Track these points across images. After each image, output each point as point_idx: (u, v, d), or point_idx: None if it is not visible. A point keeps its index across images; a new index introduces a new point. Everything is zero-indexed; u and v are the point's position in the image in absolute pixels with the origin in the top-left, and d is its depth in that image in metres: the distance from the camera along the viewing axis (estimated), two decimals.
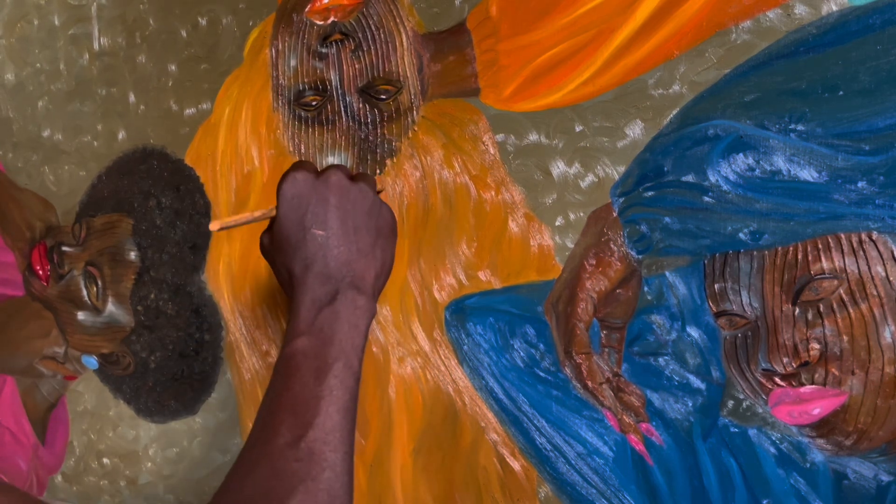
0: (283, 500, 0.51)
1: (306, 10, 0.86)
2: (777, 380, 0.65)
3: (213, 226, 0.65)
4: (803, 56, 0.64)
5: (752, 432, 0.69)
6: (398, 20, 0.83)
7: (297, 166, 0.65)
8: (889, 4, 0.60)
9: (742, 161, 0.65)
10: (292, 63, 0.88)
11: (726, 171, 0.66)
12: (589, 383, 0.74)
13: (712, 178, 0.66)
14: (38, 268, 1.06)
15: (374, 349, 0.87)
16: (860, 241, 0.61)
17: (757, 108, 0.65)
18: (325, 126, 0.88)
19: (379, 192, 0.69)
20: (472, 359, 0.81)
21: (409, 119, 0.84)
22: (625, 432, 0.74)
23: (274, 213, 0.63)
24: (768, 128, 0.64)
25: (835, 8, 0.63)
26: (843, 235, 0.62)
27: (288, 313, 0.62)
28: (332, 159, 0.88)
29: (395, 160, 0.85)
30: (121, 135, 1.03)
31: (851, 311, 0.62)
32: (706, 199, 0.67)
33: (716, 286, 0.68)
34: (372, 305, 0.62)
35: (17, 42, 1.10)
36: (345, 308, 0.60)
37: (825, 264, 0.62)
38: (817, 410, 0.63)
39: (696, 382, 0.71)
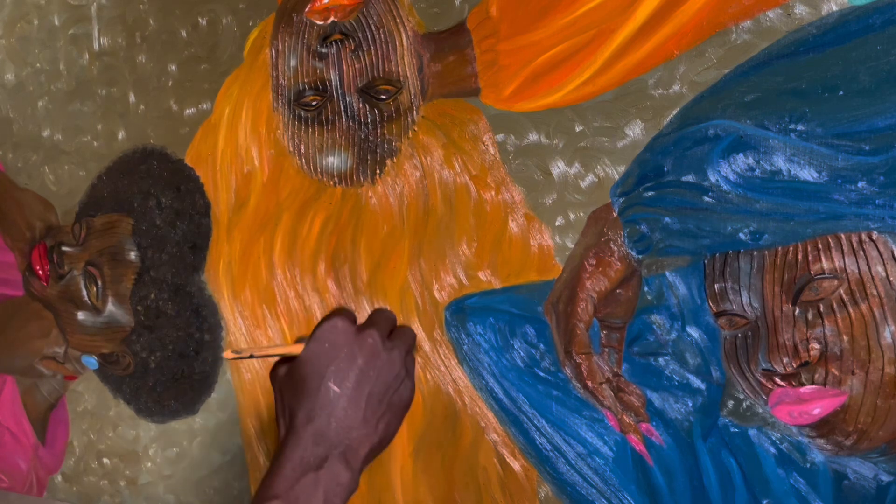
0: None
1: (306, 10, 0.86)
2: (777, 380, 0.65)
3: (228, 355, 0.63)
4: (803, 56, 0.64)
5: (752, 432, 0.69)
6: (398, 20, 0.83)
7: (342, 313, 0.63)
8: (889, 4, 0.60)
9: (742, 161, 0.65)
10: (292, 63, 0.88)
11: (726, 171, 0.66)
12: (589, 383, 0.74)
13: (712, 178, 0.66)
14: (38, 268, 1.06)
15: None
16: (860, 241, 0.61)
17: (757, 108, 0.65)
18: (325, 126, 0.88)
19: (410, 352, 0.67)
20: (472, 359, 0.81)
21: (409, 119, 0.84)
22: (625, 432, 0.74)
23: (300, 350, 0.61)
24: (768, 128, 0.64)
25: (835, 8, 0.63)
26: (843, 235, 0.62)
27: (273, 453, 0.61)
28: (332, 159, 0.88)
29: (395, 160, 0.85)
30: (121, 135, 1.03)
31: (851, 311, 0.62)
32: (706, 199, 0.67)
33: (716, 286, 0.68)
34: (354, 483, 0.60)
35: (17, 42, 1.10)
36: (327, 480, 0.58)
37: (825, 264, 0.62)
38: (817, 410, 0.63)
39: (696, 382, 0.71)
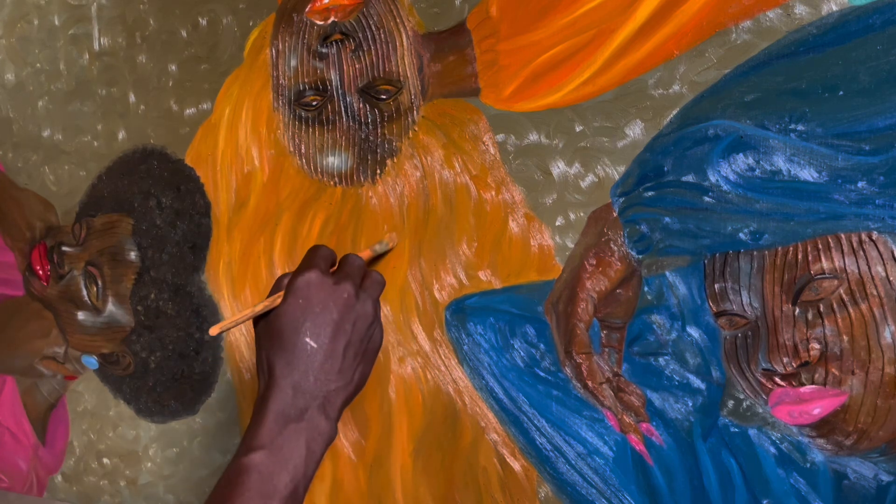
0: None
1: (306, 10, 0.86)
2: (777, 380, 0.65)
3: (214, 331, 0.65)
4: (803, 56, 0.64)
5: (752, 432, 0.69)
6: (398, 20, 0.83)
7: (314, 264, 0.64)
8: (889, 4, 0.60)
9: (742, 161, 0.65)
10: (292, 63, 0.88)
11: (726, 171, 0.66)
12: (589, 383, 0.74)
13: (712, 178, 0.66)
14: (38, 268, 1.06)
15: None
16: (860, 241, 0.61)
17: (757, 108, 0.65)
18: (326, 126, 0.88)
19: (389, 252, 0.69)
20: (472, 359, 0.81)
21: (410, 119, 0.84)
22: (625, 432, 0.74)
23: (278, 302, 0.63)
24: (768, 128, 0.64)
25: (835, 8, 0.63)
26: (843, 235, 0.62)
27: (255, 404, 0.62)
28: (332, 159, 0.88)
29: (395, 160, 0.85)
30: (121, 135, 1.03)
31: (851, 310, 0.62)
32: (706, 199, 0.67)
33: (716, 286, 0.68)
34: (333, 431, 0.63)
35: (17, 42, 1.10)
36: (308, 430, 0.60)
37: (825, 264, 0.62)
38: (817, 410, 0.63)
39: (696, 382, 0.71)
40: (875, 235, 0.61)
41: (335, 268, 0.68)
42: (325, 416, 0.61)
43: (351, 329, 0.63)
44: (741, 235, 0.65)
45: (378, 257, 0.73)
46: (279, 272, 0.92)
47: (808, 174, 0.63)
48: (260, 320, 0.66)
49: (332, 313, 0.62)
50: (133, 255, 1.00)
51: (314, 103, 0.87)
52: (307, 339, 0.61)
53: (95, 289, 1.01)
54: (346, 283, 0.64)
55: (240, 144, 0.94)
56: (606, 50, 0.72)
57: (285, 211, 0.91)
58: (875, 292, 0.61)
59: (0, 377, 1.16)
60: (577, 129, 0.75)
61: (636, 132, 0.72)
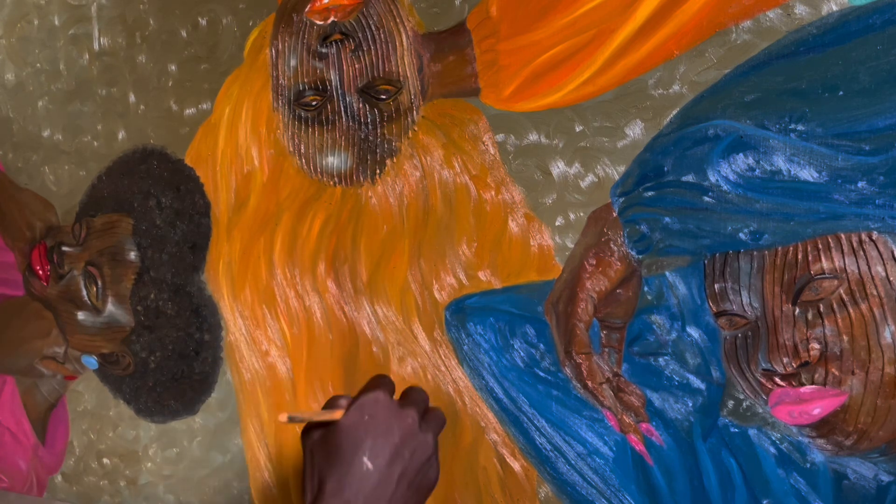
0: None
1: (306, 10, 0.86)
2: (777, 380, 0.65)
3: (283, 417, 0.62)
4: (803, 56, 0.64)
5: (752, 432, 0.69)
6: (398, 20, 0.83)
7: (383, 386, 0.62)
8: (889, 4, 0.60)
9: (742, 161, 0.65)
10: (292, 63, 0.88)
11: (726, 171, 0.66)
12: (589, 383, 0.74)
13: (712, 178, 0.66)
14: (38, 268, 1.06)
15: (374, 349, 0.87)
16: (860, 241, 0.61)
17: (757, 108, 0.65)
18: (325, 126, 0.88)
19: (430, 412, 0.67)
20: (472, 359, 0.81)
21: (409, 119, 0.84)
22: (625, 432, 0.74)
23: (338, 415, 0.61)
24: (768, 128, 0.64)
25: (835, 8, 0.63)
26: (843, 235, 0.62)
27: None
28: (332, 159, 0.88)
29: (395, 160, 0.85)
30: (121, 135, 1.03)
31: (851, 310, 0.62)
32: (706, 199, 0.67)
33: (716, 286, 0.68)
34: None
35: (17, 42, 1.10)
36: None
37: (825, 264, 0.62)
38: (817, 410, 0.63)
39: (696, 382, 0.71)
40: (875, 235, 0.61)
41: (397, 395, 0.67)
42: None
43: (409, 457, 0.60)
44: (741, 235, 0.65)
45: None
46: (279, 272, 0.92)
47: (808, 174, 0.63)
48: (316, 430, 0.62)
49: (394, 437, 0.59)
50: (133, 255, 1.00)
51: (314, 103, 0.87)
52: (364, 459, 0.58)
53: (95, 289, 1.01)
54: (412, 410, 0.61)
55: (240, 144, 0.94)
56: (606, 50, 0.72)
57: (285, 211, 0.91)
58: (875, 292, 0.61)
59: (0, 377, 1.16)
60: (577, 129, 0.75)
61: (636, 132, 0.72)
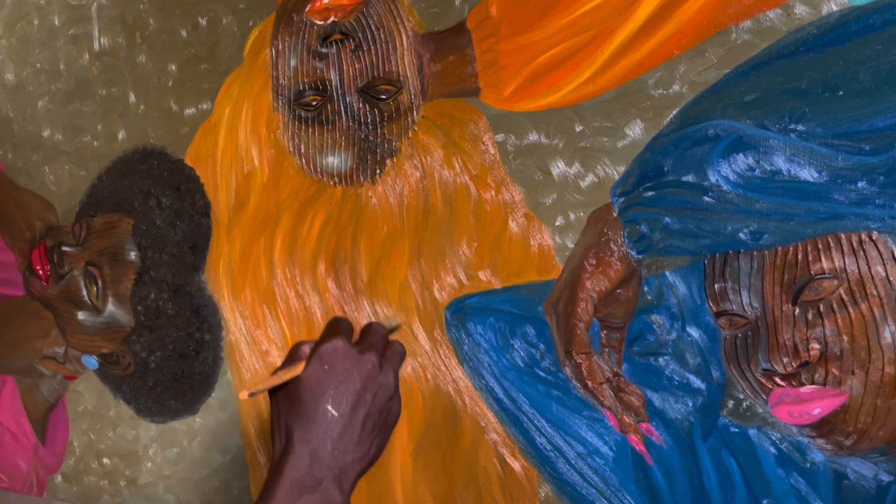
0: None
1: (306, 10, 0.86)
2: (777, 380, 0.65)
3: (244, 394, 0.64)
4: (803, 56, 0.64)
5: (752, 432, 0.69)
6: (398, 20, 0.83)
7: (341, 331, 0.64)
8: (889, 4, 0.60)
9: (742, 161, 0.65)
10: (292, 63, 0.88)
11: (726, 171, 0.66)
12: (589, 383, 0.74)
13: (712, 178, 0.66)
14: (38, 268, 1.06)
15: None
16: (860, 241, 0.61)
17: (757, 108, 0.65)
18: (325, 126, 0.88)
19: (396, 328, 0.68)
20: (472, 359, 0.81)
21: (409, 119, 0.84)
22: (625, 432, 0.74)
23: (300, 369, 0.62)
24: (768, 128, 0.64)
25: (835, 8, 0.63)
26: (843, 235, 0.62)
27: (270, 468, 0.62)
28: (332, 159, 0.88)
29: (395, 160, 0.85)
30: (121, 135, 1.03)
31: (851, 310, 0.62)
32: (706, 199, 0.67)
33: (716, 286, 0.68)
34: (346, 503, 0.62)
35: (17, 42, 1.10)
36: (322, 501, 0.59)
37: (825, 264, 0.62)
38: (817, 410, 0.63)
39: (696, 382, 0.71)
40: (875, 235, 0.61)
41: (356, 337, 0.68)
42: (340, 488, 0.60)
43: (371, 400, 0.62)
44: (741, 235, 0.65)
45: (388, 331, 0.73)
46: (279, 272, 0.92)
47: (808, 174, 0.63)
48: (279, 386, 0.65)
49: (354, 383, 0.61)
50: (133, 255, 1.00)
51: (314, 103, 0.87)
52: (328, 407, 0.60)
53: (95, 289, 1.01)
54: (371, 353, 0.63)
55: (240, 144, 0.94)
56: (606, 50, 0.72)
57: (285, 211, 0.91)
58: (875, 292, 0.61)
59: (0, 377, 1.16)
60: (577, 129, 0.75)
61: (636, 132, 0.72)
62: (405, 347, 0.67)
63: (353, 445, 0.61)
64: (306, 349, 0.64)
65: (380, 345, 0.64)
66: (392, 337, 0.66)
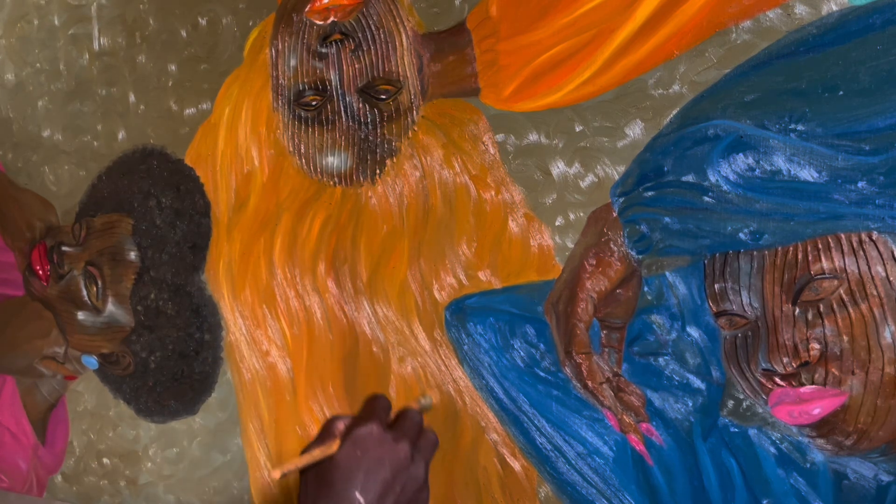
0: None
1: (306, 10, 0.86)
2: (777, 380, 0.65)
3: (276, 474, 0.63)
4: (803, 56, 0.64)
5: (752, 432, 0.69)
6: (398, 20, 0.83)
7: (375, 414, 0.64)
8: (889, 4, 0.60)
9: (742, 161, 0.65)
10: (292, 63, 0.88)
11: (726, 171, 0.66)
12: (589, 383, 0.74)
13: (712, 178, 0.66)
14: (38, 268, 1.06)
15: (375, 349, 0.87)
16: (860, 241, 0.61)
17: (757, 108, 0.65)
18: (325, 126, 0.88)
19: (430, 408, 0.68)
20: (472, 359, 0.81)
21: (409, 119, 0.84)
22: (625, 432, 0.74)
23: (334, 449, 0.62)
24: (768, 128, 0.64)
25: (835, 8, 0.63)
26: (843, 235, 0.62)
27: None
28: (332, 159, 0.88)
29: (395, 160, 0.85)
30: (121, 135, 1.03)
31: (851, 311, 0.62)
32: (706, 199, 0.67)
33: (716, 286, 0.68)
34: None
35: (17, 42, 1.10)
36: None
37: (825, 264, 0.62)
38: (817, 410, 0.63)
39: (696, 382, 0.71)
40: (875, 235, 0.61)
41: (392, 414, 0.68)
42: None
43: (400, 490, 0.62)
44: (741, 235, 0.65)
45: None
46: (279, 272, 0.92)
47: (808, 174, 0.63)
48: (308, 469, 0.65)
49: (385, 471, 0.61)
50: (133, 255, 1.00)
51: (314, 103, 0.87)
52: (356, 493, 0.60)
53: (95, 289, 1.01)
54: (404, 443, 0.63)
55: (240, 144, 0.94)
56: (606, 50, 0.72)
57: (285, 211, 0.91)
58: (875, 292, 0.61)
59: (0, 377, 1.16)
60: (577, 129, 0.75)
61: (636, 132, 0.72)
62: (438, 441, 0.66)
63: None
64: (341, 426, 0.64)
65: (414, 433, 0.64)
66: (425, 414, 0.66)
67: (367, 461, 0.61)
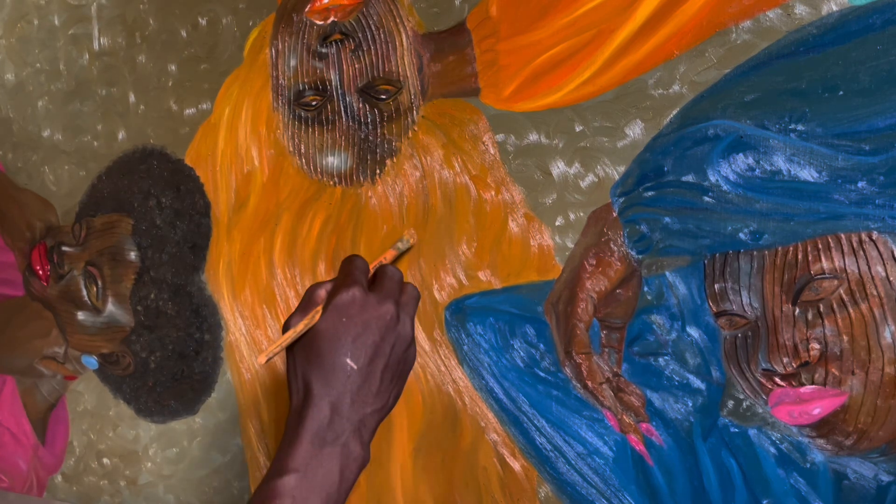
0: None
1: (306, 9, 0.86)
2: (777, 380, 0.65)
3: (261, 359, 0.62)
4: (803, 56, 0.64)
5: (752, 432, 0.69)
6: (398, 20, 0.83)
7: (355, 280, 0.62)
8: (889, 4, 0.60)
9: (742, 161, 0.65)
10: (292, 63, 0.88)
11: (726, 171, 0.66)
12: (589, 383, 0.74)
13: (712, 178, 0.66)
14: (38, 268, 1.06)
15: None
16: (860, 241, 0.61)
17: (757, 108, 0.65)
18: (325, 126, 0.88)
19: (409, 249, 0.67)
20: (472, 359, 0.81)
21: (409, 119, 0.84)
22: (625, 432, 0.74)
23: (317, 319, 0.61)
24: (768, 128, 0.64)
25: (835, 8, 0.63)
26: (843, 235, 0.62)
27: (288, 420, 0.61)
28: (332, 159, 0.88)
29: (395, 160, 0.85)
30: (121, 135, 1.03)
31: (851, 311, 0.62)
32: (706, 199, 0.67)
33: (716, 286, 0.68)
34: (366, 455, 0.61)
35: (17, 42, 1.10)
36: (343, 455, 0.59)
37: (825, 264, 0.62)
38: (817, 410, 0.63)
39: (696, 382, 0.71)
40: (875, 235, 0.61)
41: (370, 277, 0.66)
42: (360, 440, 0.60)
43: (390, 351, 0.61)
44: (741, 235, 0.65)
45: (400, 255, 0.72)
46: (279, 272, 0.92)
47: (808, 174, 0.63)
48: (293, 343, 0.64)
49: (373, 334, 0.60)
50: (133, 255, 1.00)
51: (314, 103, 0.87)
52: (347, 360, 0.59)
53: (95, 289, 1.01)
54: (389, 303, 0.62)
55: (240, 144, 0.94)
56: (606, 50, 0.72)
57: (285, 211, 0.91)
58: (875, 292, 0.61)
59: (0, 377, 1.16)
60: (577, 129, 0.75)
61: (636, 132, 0.72)
62: (419, 294, 0.65)
63: (373, 398, 0.60)
64: (322, 293, 0.63)
65: (396, 291, 0.63)
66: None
67: (353, 326, 0.60)
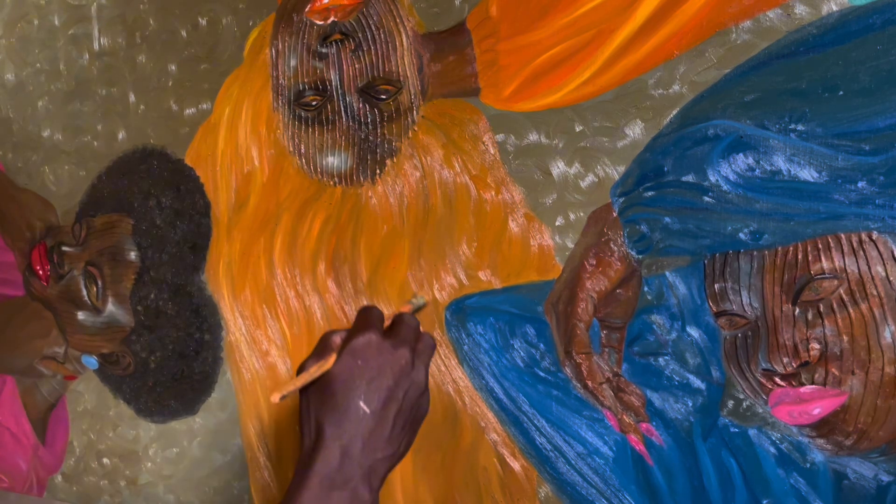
0: None
1: (306, 10, 0.86)
2: (777, 380, 0.65)
3: (275, 398, 0.62)
4: (803, 56, 0.64)
5: (752, 432, 0.69)
6: (398, 20, 0.83)
7: (371, 324, 0.62)
8: (889, 4, 0.60)
9: (742, 161, 0.65)
10: (292, 63, 0.88)
11: (726, 171, 0.66)
12: (589, 383, 0.74)
13: (712, 178, 0.66)
14: (38, 268, 1.06)
15: None
16: (860, 241, 0.61)
17: (757, 108, 0.65)
18: (325, 126, 0.88)
19: (424, 307, 0.67)
20: (472, 359, 0.81)
21: (409, 119, 0.84)
22: (625, 432, 0.74)
23: (332, 363, 0.61)
24: (768, 128, 0.64)
25: (835, 8, 0.63)
26: (843, 235, 0.62)
27: (298, 462, 0.60)
28: (332, 159, 0.88)
29: (395, 160, 0.85)
30: (121, 135, 1.03)
31: (851, 310, 0.62)
32: (706, 199, 0.67)
33: (716, 286, 0.68)
34: (374, 502, 0.60)
35: (17, 42, 1.10)
36: (351, 498, 0.58)
37: (825, 264, 0.62)
38: (817, 410, 0.63)
39: (696, 382, 0.71)
40: (875, 235, 0.61)
41: (387, 326, 0.66)
42: (369, 486, 0.59)
43: (403, 396, 0.61)
44: (741, 235, 0.65)
45: (415, 311, 0.72)
46: (279, 272, 0.92)
47: (808, 174, 0.63)
48: (309, 386, 0.63)
49: (387, 379, 0.60)
50: (133, 255, 1.00)
51: (314, 103, 0.87)
52: (360, 403, 0.59)
53: (95, 289, 1.01)
54: (404, 349, 0.61)
55: (240, 144, 0.94)
56: (606, 50, 0.72)
57: (285, 211, 0.91)
58: (875, 292, 0.61)
59: (0, 377, 1.16)
60: (577, 129, 0.75)
61: (636, 132, 0.72)
62: (435, 343, 0.65)
63: (384, 443, 0.60)
64: (337, 339, 0.63)
65: (412, 338, 0.63)
66: (419, 315, 0.65)
67: (367, 370, 0.60)
